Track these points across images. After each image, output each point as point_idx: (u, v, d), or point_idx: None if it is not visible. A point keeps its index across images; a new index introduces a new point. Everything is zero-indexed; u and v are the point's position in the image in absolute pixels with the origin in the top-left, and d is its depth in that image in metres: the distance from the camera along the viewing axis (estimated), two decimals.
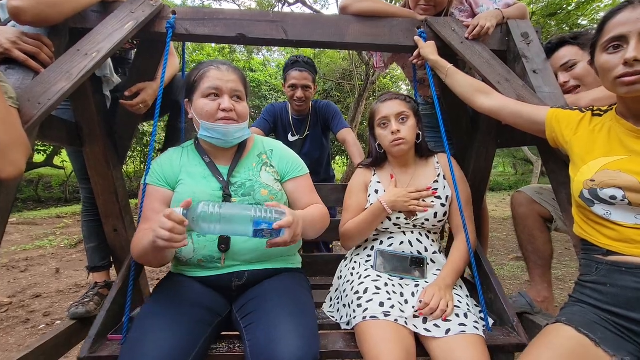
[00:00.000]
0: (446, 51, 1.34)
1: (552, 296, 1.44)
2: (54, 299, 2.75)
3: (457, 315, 1.02)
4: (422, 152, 1.35)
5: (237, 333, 1.05)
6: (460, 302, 1.08)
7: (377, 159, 1.37)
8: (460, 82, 1.25)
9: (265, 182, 1.14)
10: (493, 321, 1.19)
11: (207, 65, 1.11)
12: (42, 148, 8.01)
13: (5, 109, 0.84)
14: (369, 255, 1.28)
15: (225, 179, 1.12)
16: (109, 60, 1.48)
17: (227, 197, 1.08)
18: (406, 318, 1.02)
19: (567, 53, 1.35)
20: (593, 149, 0.93)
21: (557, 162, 1.17)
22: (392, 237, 1.27)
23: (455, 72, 1.27)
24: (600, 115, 0.98)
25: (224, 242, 1.06)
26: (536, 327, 1.29)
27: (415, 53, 1.35)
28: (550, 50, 1.39)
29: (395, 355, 0.89)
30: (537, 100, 1.17)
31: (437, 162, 1.34)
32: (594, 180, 0.89)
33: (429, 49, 1.30)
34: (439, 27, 1.34)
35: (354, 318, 1.05)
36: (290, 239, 0.89)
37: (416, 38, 1.32)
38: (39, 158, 8.35)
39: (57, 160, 8.93)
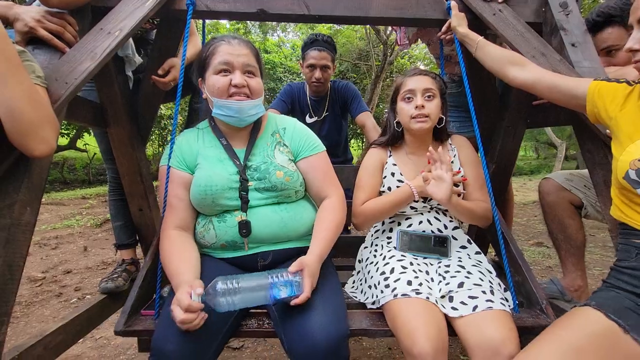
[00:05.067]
0: (476, 24, 1.27)
1: (587, 285, 1.39)
2: (84, 274, 2.89)
3: (484, 292, 1.00)
4: (441, 136, 1.31)
5: (265, 310, 1.05)
6: (483, 280, 1.05)
7: (393, 137, 1.32)
8: (492, 54, 1.18)
9: (280, 163, 1.10)
10: (519, 302, 1.17)
11: (218, 41, 1.06)
12: (65, 132, 8.26)
13: (33, 88, 0.85)
14: (389, 237, 1.27)
15: (242, 163, 1.09)
16: (131, 40, 1.47)
17: (243, 182, 1.05)
18: (435, 297, 1.01)
19: (610, 36, 1.25)
20: None
21: (594, 142, 1.11)
22: (410, 219, 1.26)
23: (485, 44, 1.20)
24: None
25: (245, 227, 1.04)
26: (562, 313, 1.26)
27: (445, 27, 1.28)
28: (594, 27, 1.28)
29: (428, 331, 0.89)
30: (575, 76, 1.10)
31: (451, 144, 1.32)
32: None
33: (458, 21, 1.24)
34: None
35: (383, 297, 1.04)
36: (310, 292, 0.90)
37: (452, 3, 1.24)
38: (62, 141, 8.63)
39: (79, 144, 9.21)
